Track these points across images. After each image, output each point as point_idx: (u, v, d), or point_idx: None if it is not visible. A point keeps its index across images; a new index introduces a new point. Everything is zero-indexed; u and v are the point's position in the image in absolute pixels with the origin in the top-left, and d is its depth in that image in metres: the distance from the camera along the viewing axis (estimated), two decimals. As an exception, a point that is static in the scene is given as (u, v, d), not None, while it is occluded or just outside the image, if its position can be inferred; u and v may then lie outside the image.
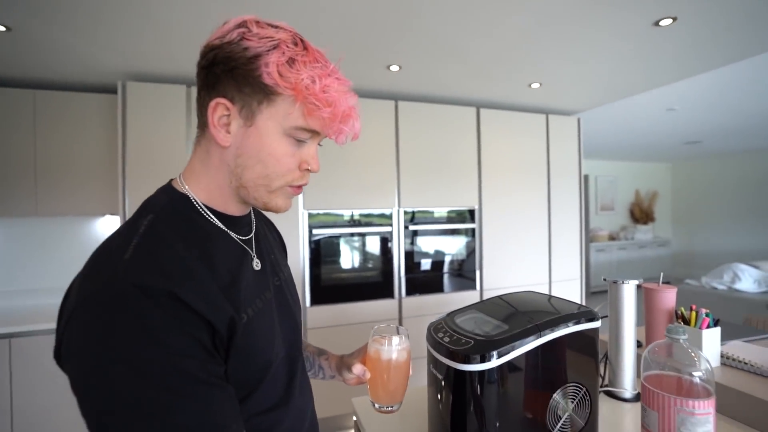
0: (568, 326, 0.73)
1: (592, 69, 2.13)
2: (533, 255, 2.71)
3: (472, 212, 2.55)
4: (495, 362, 0.67)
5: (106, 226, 2.42)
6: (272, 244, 0.68)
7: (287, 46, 0.48)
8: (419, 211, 2.43)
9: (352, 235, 2.29)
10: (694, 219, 6.47)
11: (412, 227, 2.40)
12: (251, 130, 0.50)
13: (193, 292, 0.43)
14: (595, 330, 0.76)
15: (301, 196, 2.16)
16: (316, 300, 2.19)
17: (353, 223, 2.28)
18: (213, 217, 0.53)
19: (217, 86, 0.49)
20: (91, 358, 0.39)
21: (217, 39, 0.49)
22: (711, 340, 1.02)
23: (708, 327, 1.03)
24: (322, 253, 2.21)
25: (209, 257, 0.49)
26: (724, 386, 0.91)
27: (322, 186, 2.19)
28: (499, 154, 2.62)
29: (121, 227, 0.50)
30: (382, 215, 2.34)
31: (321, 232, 2.21)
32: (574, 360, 0.74)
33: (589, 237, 4.78)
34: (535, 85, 2.35)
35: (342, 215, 2.26)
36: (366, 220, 2.31)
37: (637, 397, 0.98)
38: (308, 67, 0.48)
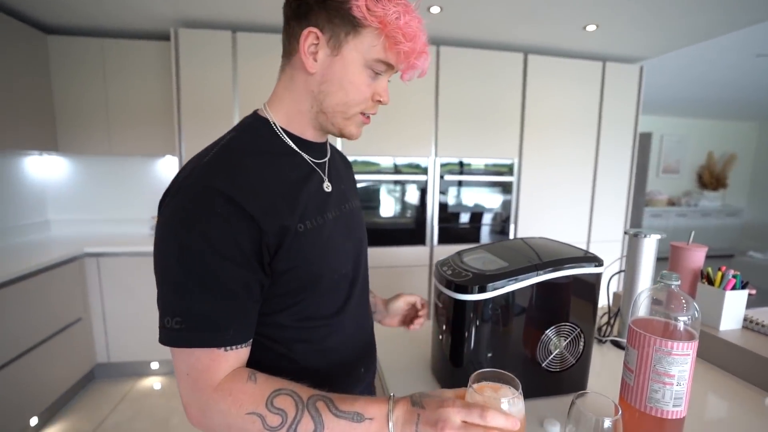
0: (568, 269, 0.75)
1: (660, 6, 1.89)
2: (573, 213, 2.62)
3: (511, 166, 2.49)
4: (489, 294, 0.72)
5: (167, 165, 2.66)
6: (345, 177, 0.74)
7: None
8: (456, 163, 2.42)
9: (388, 182, 2.35)
10: (776, 187, 5.77)
11: (447, 177, 2.41)
12: (337, 59, 0.55)
13: (250, 197, 0.51)
14: (597, 276, 0.78)
15: (339, 141, 2.22)
16: (350, 243, 2.33)
17: (390, 170, 2.33)
18: (287, 138, 0.60)
19: (308, 16, 0.54)
20: (161, 231, 0.51)
21: None
22: (734, 302, 0.99)
23: (734, 289, 1.00)
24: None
25: (276, 170, 0.56)
26: (740, 348, 0.91)
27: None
28: (546, 105, 2.48)
29: (212, 143, 0.58)
30: (418, 165, 2.36)
31: (358, 178, 2.29)
32: (572, 302, 0.78)
33: (643, 200, 4.46)
34: (591, 27, 2.14)
35: (378, 163, 2.31)
36: (403, 169, 2.35)
37: (643, 348, 1.00)
38: (392, 3, 0.53)
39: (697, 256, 1.06)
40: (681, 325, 0.61)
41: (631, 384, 0.64)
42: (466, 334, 0.76)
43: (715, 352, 0.95)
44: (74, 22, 2.23)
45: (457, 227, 2.47)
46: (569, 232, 2.63)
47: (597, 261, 0.78)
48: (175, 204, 0.50)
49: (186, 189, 0.50)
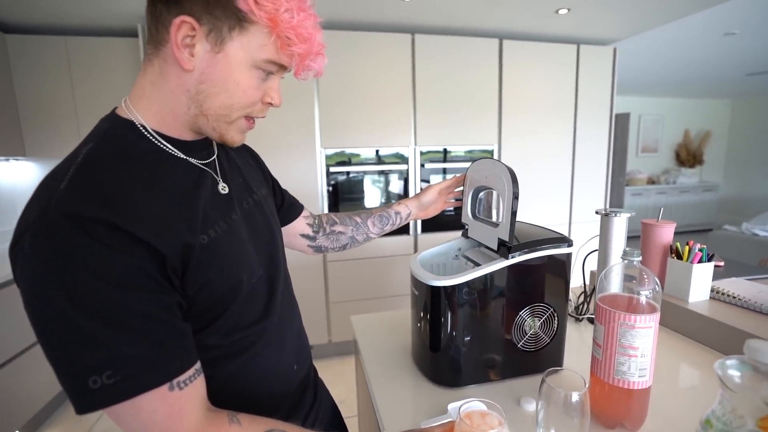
0: (539, 250, 0.77)
1: (630, -11, 1.91)
2: (554, 195, 2.66)
3: (491, 152, 2.51)
4: (462, 278, 0.73)
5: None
6: (241, 167, 0.66)
7: None
8: (436, 151, 2.42)
9: (368, 173, 2.34)
10: (750, 163, 5.94)
11: (428, 166, 2.41)
12: (219, 57, 0.47)
13: (137, 220, 0.42)
14: (567, 256, 0.80)
15: (318, 134, 2.20)
16: (334, 236, 2.32)
17: (370, 161, 2.33)
18: (163, 141, 0.50)
19: (181, 1, 0.45)
20: (32, 286, 0.39)
21: None
22: (701, 275, 1.02)
23: (700, 262, 1.03)
24: (340, 190, 2.30)
25: (158, 182, 0.47)
26: (707, 318, 0.94)
27: (337, 124, 2.21)
28: (523, 90, 2.49)
29: (64, 160, 0.46)
30: (400, 155, 2.36)
31: (338, 170, 2.28)
32: (544, 283, 0.79)
33: (624, 180, 4.55)
34: (563, 11, 2.16)
35: (359, 154, 2.30)
36: (385, 159, 2.35)
37: (617, 324, 1.03)
38: None
39: (666, 232, 1.09)
40: (643, 299, 0.63)
41: (600, 358, 0.66)
42: (443, 319, 0.77)
43: (684, 323, 0.99)
44: (34, 20, 2.15)
45: (441, 215, 2.47)
46: (551, 214, 2.67)
47: (566, 241, 0.80)
48: (41, 249, 0.38)
49: (49, 226, 0.39)
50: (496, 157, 2.53)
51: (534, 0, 2.02)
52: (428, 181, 2.43)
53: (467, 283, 0.74)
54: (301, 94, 2.15)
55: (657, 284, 0.63)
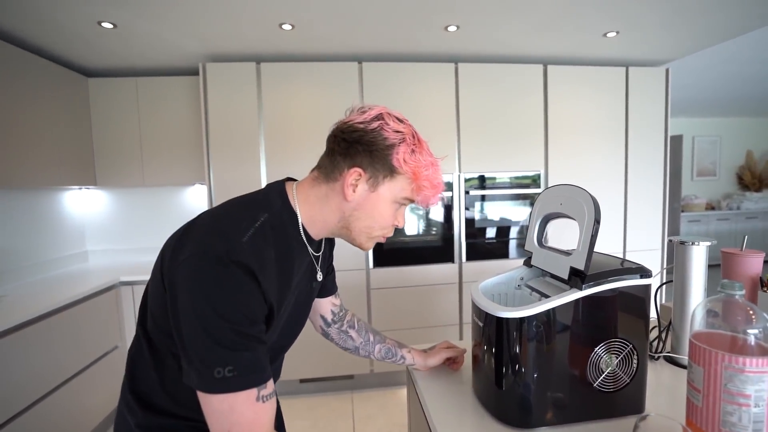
0: (614, 281, 0.71)
1: (679, 7, 1.85)
2: (606, 223, 2.52)
3: (536, 177, 2.44)
4: (532, 310, 0.69)
5: (196, 193, 2.75)
6: (329, 257, 0.85)
7: (410, 139, 0.65)
8: (480, 177, 2.39)
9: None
10: (825, 185, 5.40)
11: (473, 192, 2.38)
12: (372, 195, 0.67)
13: (267, 280, 0.59)
14: (646, 287, 0.73)
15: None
16: (379, 262, 2.31)
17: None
18: (304, 236, 0.69)
19: (355, 158, 0.65)
20: (193, 294, 0.54)
21: (361, 123, 0.65)
22: (801, 310, 0.91)
23: (799, 296, 0.92)
24: (383, 218, 2.30)
25: (288, 263, 0.66)
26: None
27: (381, 153, 2.24)
28: (569, 114, 2.43)
29: (245, 208, 0.64)
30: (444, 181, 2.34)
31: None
32: (621, 316, 0.73)
33: (679, 206, 4.25)
34: (611, 34, 2.11)
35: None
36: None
37: (701, 365, 0.93)
38: (423, 157, 0.66)
39: (753, 263, 0.99)
40: (752, 339, 0.56)
41: (699, 405, 0.59)
42: (511, 354, 0.72)
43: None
44: (112, 65, 2.39)
45: (484, 243, 2.42)
46: (604, 243, 2.52)
47: (644, 272, 0.74)
48: (216, 273, 0.54)
49: (227, 262, 0.55)
50: (542, 183, 2.45)
51: (582, 24, 1.99)
52: (471, 209, 2.39)
53: (537, 316, 0.69)
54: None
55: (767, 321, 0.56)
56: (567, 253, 0.78)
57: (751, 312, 0.57)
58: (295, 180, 0.73)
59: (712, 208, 5.39)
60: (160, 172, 2.49)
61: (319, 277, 0.77)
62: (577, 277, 0.72)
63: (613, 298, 0.72)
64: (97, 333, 2.01)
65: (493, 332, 0.74)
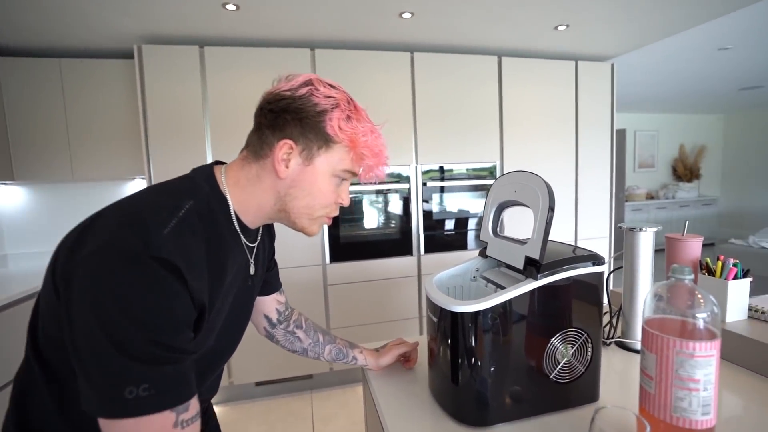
0: (569, 270, 0.69)
1: (626, 3, 1.91)
2: (558, 212, 2.61)
3: (492, 169, 2.46)
4: (488, 302, 0.65)
5: (136, 188, 2.53)
6: (268, 249, 0.78)
7: (345, 105, 0.59)
8: (438, 169, 2.37)
9: (369, 192, 2.28)
10: (746, 175, 5.96)
11: (430, 184, 2.36)
12: (308, 168, 0.60)
13: (195, 279, 0.50)
14: (599, 275, 0.72)
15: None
16: (335, 257, 2.24)
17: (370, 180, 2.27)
18: (237, 226, 0.61)
19: (284, 129, 0.58)
20: (95, 296, 0.44)
21: (288, 91, 0.58)
22: (738, 292, 0.95)
23: (735, 278, 0.96)
24: (340, 211, 2.23)
25: (220, 257, 0.57)
26: (749, 339, 0.86)
27: (337, 145, 2.16)
28: (523, 107, 2.47)
29: (166, 195, 0.55)
30: (400, 174, 2.31)
31: (338, 192, 2.21)
32: (575, 305, 0.71)
33: (623, 196, 4.53)
34: (562, 27, 2.16)
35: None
36: (385, 179, 2.29)
37: (649, 348, 0.95)
38: (361, 123, 0.60)
39: (693, 247, 1.02)
40: (701, 323, 0.55)
41: (652, 392, 0.58)
42: (466, 349, 0.68)
43: (723, 346, 0.91)
44: (28, 43, 2.11)
45: (443, 235, 2.42)
46: (556, 232, 2.60)
47: (597, 259, 0.72)
48: (129, 273, 0.45)
49: (146, 258, 0.46)
50: (498, 174, 2.48)
51: (534, 15, 2.01)
52: (429, 201, 2.37)
53: (493, 309, 0.66)
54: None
55: (715, 305, 0.55)
56: (522, 242, 0.76)
57: (699, 296, 0.56)
58: (225, 163, 0.64)
59: (652, 198, 5.79)
60: (92, 166, 2.25)
61: (252, 270, 0.68)
62: (532, 267, 0.69)
63: (567, 287, 0.70)
64: (22, 343, 1.78)
65: (448, 327, 0.70)
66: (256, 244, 0.69)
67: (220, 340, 0.65)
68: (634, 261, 0.95)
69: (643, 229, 0.93)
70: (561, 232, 2.62)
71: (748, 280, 0.96)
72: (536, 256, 0.68)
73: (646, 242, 0.94)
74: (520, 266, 0.72)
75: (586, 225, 2.68)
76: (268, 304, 0.85)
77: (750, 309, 0.97)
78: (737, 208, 6.07)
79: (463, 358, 0.69)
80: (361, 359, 0.91)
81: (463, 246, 2.45)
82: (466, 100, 2.37)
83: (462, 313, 0.67)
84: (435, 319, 0.74)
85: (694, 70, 3.49)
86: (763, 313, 0.94)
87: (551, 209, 0.67)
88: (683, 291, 0.57)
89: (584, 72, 2.56)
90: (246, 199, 0.61)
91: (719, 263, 0.98)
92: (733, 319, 0.95)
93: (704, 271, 1.01)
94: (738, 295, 0.94)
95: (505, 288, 0.71)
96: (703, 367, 0.54)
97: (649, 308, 0.60)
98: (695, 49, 2.82)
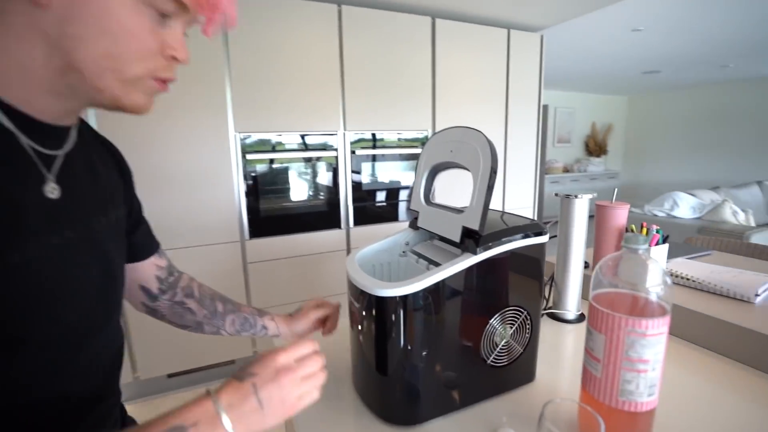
0: (512, 241, 0.60)
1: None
2: (488, 184, 2.62)
3: (424, 139, 2.38)
4: (419, 284, 0.54)
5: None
6: (103, 178, 0.52)
7: None
8: (369, 138, 2.22)
9: (292, 161, 2.06)
10: (644, 153, 6.69)
11: (359, 152, 2.20)
12: None
13: None
14: (541, 246, 0.64)
15: (230, 117, 1.87)
16: (256, 233, 2.02)
17: (293, 148, 2.05)
18: (12, 123, 0.37)
19: None
20: None
21: None
22: (660, 258, 0.96)
23: (657, 244, 0.97)
24: (260, 181, 1.99)
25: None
26: (675, 305, 0.87)
27: (254, 105, 1.90)
28: (456, 74, 2.39)
29: None
30: (326, 140, 2.12)
31: (256, 158, 1.97)
32: (516, 281, 0.63)
33: (544, 169, 4.82)
34: (496, -11, 2.08)
35: (282, 143, 2.01)
36: (309, 145, 2.08)
37: (580, 318, 0.93)
38: None
39: (620, 214, 1.01)
40: (654, 297, 0.49)
41: (599, 376, 0.51)
42: (394, 339, 0.57)
43: (647, 313, 0.91)
44: None
45: (373, 206, 2.30)
46: (485, 203, 2.63)
47: (539, 229, 0.64)
48: None
49: None
50: (431, 143, 2.40)
51: (468, -27, 1.89)
52: (359, 172, 2.22)
53: (427, 290, 0.55)
54: (209, 71, 1.80)
55: (667, 277, 0.49)
56: (459, 210, 0.65)
57: (653, 268, 0.50)
58: None
59: (567, 171, 6.25)
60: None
61: (51, 191, 0.42)
62: (470, 239, 0.59)
63: (506, 261, 0.61)
64: None
65: (375, 314, 0.58)
66: (60, 153, 0.44)
67: (75, 311, 0.44)
68: (570, 229, 0.90)
69: (579, 196, 0.89)
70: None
71: (666, 246, 0.98)
72: (476, 226, 0.57)
73: (581, 209, 0.89)
74: (457, 239, 0.62)
75: (513, 197, 2.74)
76: (143, 272, 0.63)
77: (672, 275, 0.99)
78: (635, 181, 6.83)
79: (390, 348, 0.58)
80: (272, 327, 0.74)
81: (394, 218, 2.37)
82: (397, 62, 2.22)
83: (389, 298, 0.55)
84: (357, 305, 0.61)
85: (608, 50, 3.69)
86: (681, 277, 0.96)
87: (494, 171, 0.57)
88: (637, 262, 0.50)
89: (516, 41, 2.54)
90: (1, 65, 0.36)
91: (644, 230, 0.98)
92: (655, 285, 0.96)
93: (630, 238, 1.00)
94: (660, 261, 0.95)
95: (439, 264, 0.61)
96: (654, 346, 0.48)
97: (597, 282, 0.53)
98: (613, 26, 2.95)
